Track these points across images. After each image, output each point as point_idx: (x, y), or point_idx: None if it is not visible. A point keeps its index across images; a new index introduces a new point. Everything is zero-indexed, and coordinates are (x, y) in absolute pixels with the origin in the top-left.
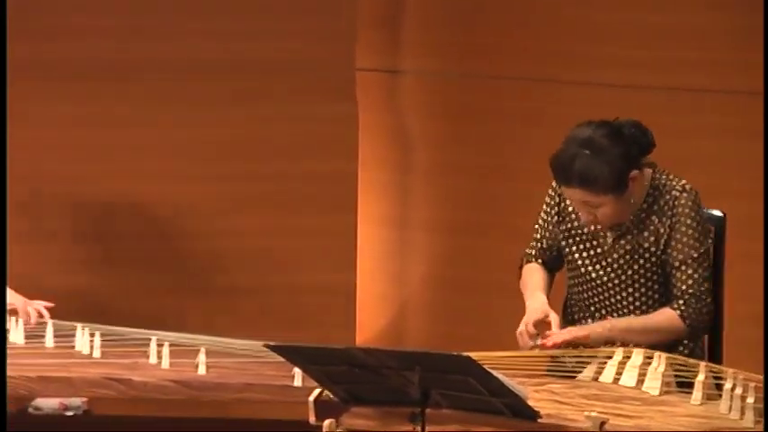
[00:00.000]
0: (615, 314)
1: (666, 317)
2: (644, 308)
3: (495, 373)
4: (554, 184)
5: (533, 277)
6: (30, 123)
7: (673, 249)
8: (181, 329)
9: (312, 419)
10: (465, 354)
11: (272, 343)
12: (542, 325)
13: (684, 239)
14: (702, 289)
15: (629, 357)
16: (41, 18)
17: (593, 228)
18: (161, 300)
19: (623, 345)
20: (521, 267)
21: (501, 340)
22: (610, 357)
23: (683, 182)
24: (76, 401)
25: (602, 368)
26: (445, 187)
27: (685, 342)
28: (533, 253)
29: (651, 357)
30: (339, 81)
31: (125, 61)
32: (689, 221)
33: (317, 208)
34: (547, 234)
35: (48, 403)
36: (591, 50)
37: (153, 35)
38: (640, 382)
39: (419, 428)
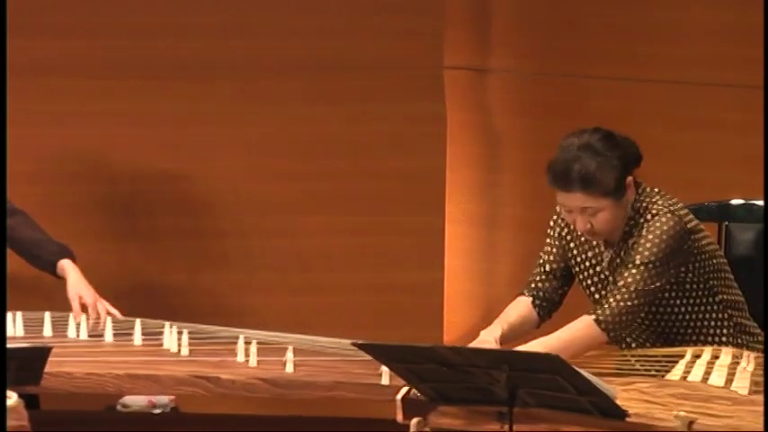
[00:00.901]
0: (626, 332)
1: (583, 323)
2: (647, 330)
3: (583, 371)
4: (556, 211)
5: (509, 312)
6: (126, 120)
7: (630, 253)
8: (266, 328)
9: (400, 418)
10: (551, 353)
11: (360, 341)
12: None
13: (641, 248)
14: (632, 290)
15: (717, 357)
16: (140, 16)
17: (588, 235)
18: (247, 298)
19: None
20: (520, 292)
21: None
22: (698, 357)
23: (660, 207)
24: (164, 399)
25: (691, 368)
26: (533, 186)
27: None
28: (533, 285)
29: (740, 357)
30: (427, 79)
31: (215, 60)
32: (650, 236)
33: (404, 207)
34: (553, 253)
35: (136, 401)
36: (674, 50)
37: (242, 34)
38: (729, 381)
39: (506, 428)
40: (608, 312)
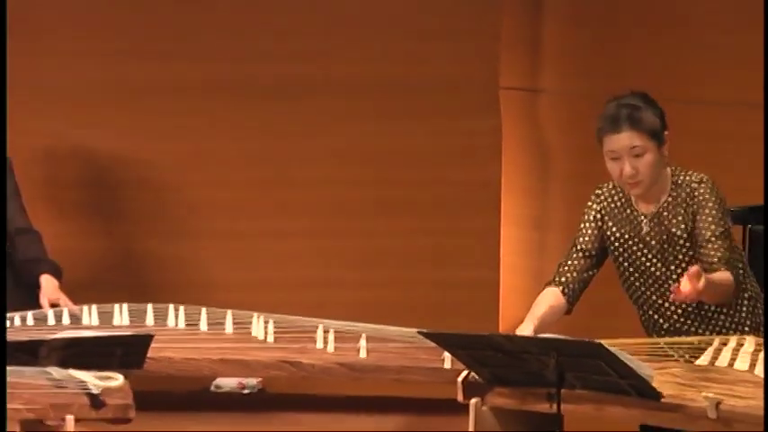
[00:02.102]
0: (663, 300)
1: (727, 276)
2: (684, 317)
3: (623, 357)
4: (597, 191)
5: (538, 306)
6: (221, 134)
7: (699, 229)
8: (342, 318)
9: (460, 398)
10: (597, 340)
11: (425, 330)
12: None
13: (709, 219)
14: (731, 260)
15: (742, 345)
16: (233, 42)
17: (633, 184)
18: (325, 291)
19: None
20: (548, 283)
21: (630, 328)
22: (725, 344)
23: (701, 175)
24: (252, 381)
25: (718, 354)
26: (579, 192)
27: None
28: (562, 273)
29: (761, 344)
30: (485, 98)
31: (298, 82)
32: (710, 204)
33: (464, 211)
34: (589, 236)
35: (227, 382)
36: (717, 71)
37: (321, 59)
38: (752, 366)
39: (555, 407)
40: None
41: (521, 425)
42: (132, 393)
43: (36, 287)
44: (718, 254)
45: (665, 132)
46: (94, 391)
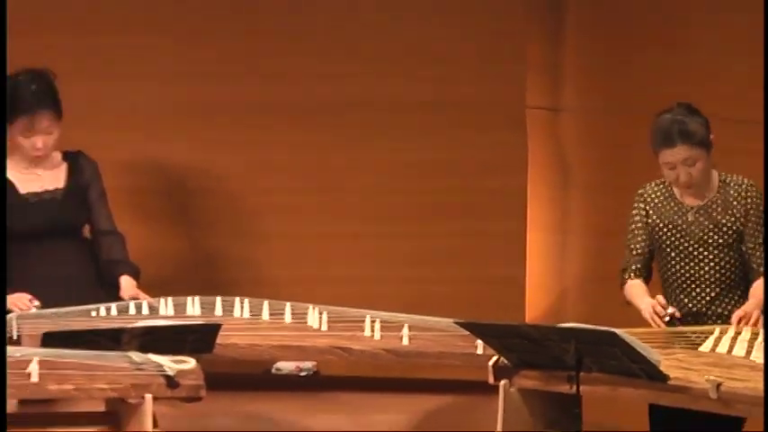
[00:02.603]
0: (695, 284)
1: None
2: (720, 275)
3: (634, 344)
4: (640, 192)
5: (637, 290)
6: (279, 148)
7: (751, 230)
8: (386, 310)
9: (491, 380)
10: (611, 329)
11: (460, 320)
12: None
13: (760, 223)
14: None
15: (739, 333)
16: (298, 65)
17: (686, 187)
18: (375, 287)
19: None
20: (622, 284)
21: (641, 321)
22: (724, 333)
23: (746, 178)
24: (308, 364)
25: (719, 342)
26: (596, 201)
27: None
28: (632, 267)
29: (757, 333)
30: (512, 116)
31: (347, 98)
32: (761, 209)
33: (495, 216)
34: (641, 237)
35: (286, 366)
36: (724, 90)
37: (369, 79)
38: (749, 352)
39: (574, 388)
40: None
41: (544, 404)
42: (203, 375)
43: (115, 286)
44: (760, 260)
45: (711, 137)
46: (170, 373)
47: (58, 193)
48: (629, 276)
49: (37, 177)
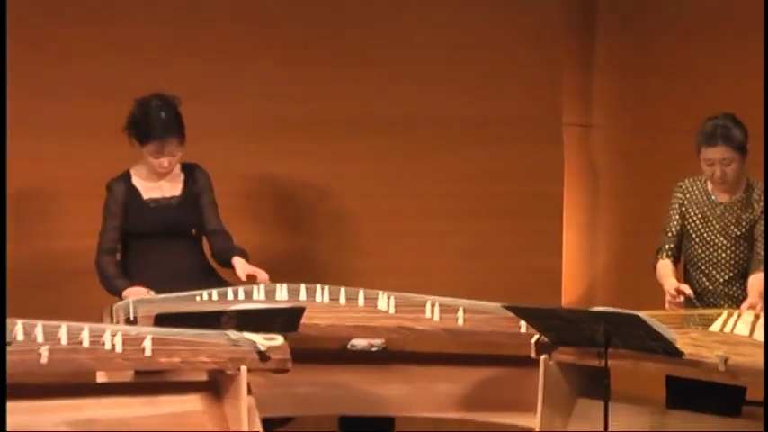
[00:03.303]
0: (714, 268)
1: (760, 278)
2: (736, 262)
3: (655, 324)
4: (680, 184)
5: (665, 270)
6: (347, 159)
7: (760, 226)
8: (447, 295)
9: (533, 355)
10: (635, 312)
11: (508, 304)
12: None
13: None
14: None
15: (741, 315)
16: (373, 86)
17: (722, 183)
18: (433, 276)
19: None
20: (654, 263)
21: (659, 304)
22: (731, 315)
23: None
24: (378, 342)
25: (726, 322)
26: (622, 205)
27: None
28: (666, 247)
29: (758, 316)
30: (550, 132)
31: (405, 115)
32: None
33: (537, 217)
34: (675, 221)
35: (359, 342)
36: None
37: (434, 99)
38: (751, 332)
39: (603, 362)
40: None
41: (578, 375)
42: (289, 350)
43: (222, 274)
44: (762, 251)
45: (748, 146)
46: (262, 349)
47: (174, 200)
48: (662, 256)
49: (158, 186)
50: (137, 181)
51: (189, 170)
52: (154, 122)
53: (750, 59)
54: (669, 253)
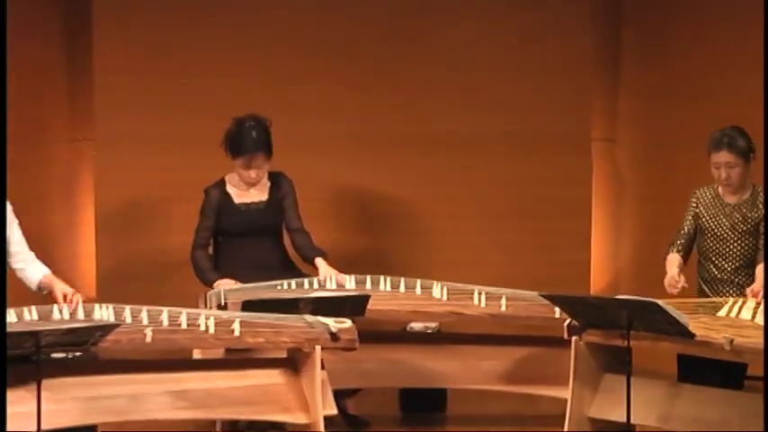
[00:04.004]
0: (722, 258)
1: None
2: (742, 253)
3: (670, 310)
4: (695, 191)
5: (672, 261)
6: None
7: (763, 224)
8: (493, 285)
9: (566, 336)
10: (654, 300)
11: (544, 293)
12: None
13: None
14: None
15: (745, 302)
16: (431, 108)
17: (727, 185)
18: (481, 268)
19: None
20: (666, 255)
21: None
22: (735, 303)
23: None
24: (433, 324)
25: (731, 309)
26: (642, 210)
27: None
28: (678, 243)
29: (760, 303)
30: (581, 146)
31: (461, 134)
32: None
33: (570, 219)
34: (689, 227)
35: (417, 325)
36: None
37: (478, 116)
38: (753, 317)
39: (626, 342)
40: None
41: (604, 354)
42: (356, 332)
43: (303, 267)
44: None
45: (752, 154)
46: (333, 330)
47: (261, 204)
48: (672, 251)
49: (248, 192)
50: (230, 188)
51: (275, 177)
52: (246, 140)
53: (760, 85)
54: (679, 248)
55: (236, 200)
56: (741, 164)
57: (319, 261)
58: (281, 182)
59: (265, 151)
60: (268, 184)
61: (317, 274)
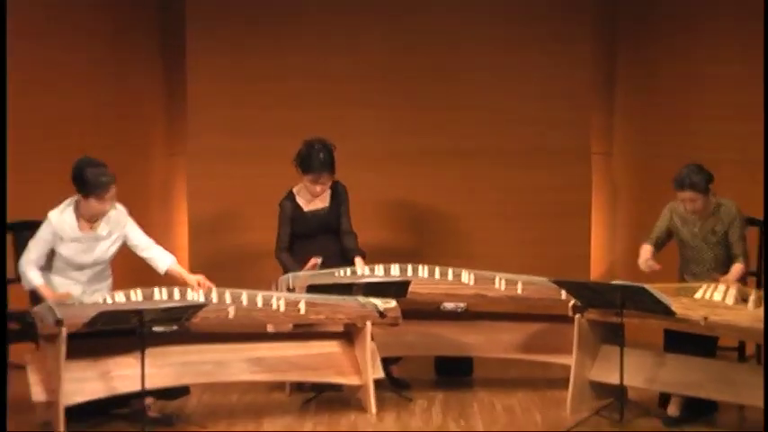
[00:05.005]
0: (698, 264)
1: (739, 267)
2: (713, 262)
3: (656, 293)
4: (670, 204)
5: (644, 251)
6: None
7: (731, 233)
8: (513, 272)
9: (570, 314)
10: (643, 285)
11: (555, 279)
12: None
13: (737, 229)
14: (746, 251)
15: (717, 287)
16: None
17: (692, 213)
18: (502, 260)
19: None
20: (642, 244)
21: (659, 279)
22: (709, 287)
23: (730, 201)
24: (462, 304)
25: (706, 292)
26: (633, 212)
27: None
28: (651, 237)
29: (730, 287)
30: (582, 159)
31: (485, 147)
32: (737, 221)
33: (573, 220)
34: (661, 229)
35: (448, 305)
36: (721, 143)
37: (495, 131)
38: (724, 298)
39: (620, 319)
40: (745, 262)
41: (602, 329)
42: (400, 310)
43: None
44: (738, 251)
45: (710, 186)
46: (381, 309)
47: (324, 210)
48: (646, 243)
49: (313, 201)
50: (299, 198)
51: (334, 186)
52: (314, 161)
53: (734, 106)
54: (651, 241)
55: (305, 208)
56: (701, 197)
57: (357, 260)
58: (339, 190)
59: (329, 171)
60: (329, 192)
61: (379, 263)
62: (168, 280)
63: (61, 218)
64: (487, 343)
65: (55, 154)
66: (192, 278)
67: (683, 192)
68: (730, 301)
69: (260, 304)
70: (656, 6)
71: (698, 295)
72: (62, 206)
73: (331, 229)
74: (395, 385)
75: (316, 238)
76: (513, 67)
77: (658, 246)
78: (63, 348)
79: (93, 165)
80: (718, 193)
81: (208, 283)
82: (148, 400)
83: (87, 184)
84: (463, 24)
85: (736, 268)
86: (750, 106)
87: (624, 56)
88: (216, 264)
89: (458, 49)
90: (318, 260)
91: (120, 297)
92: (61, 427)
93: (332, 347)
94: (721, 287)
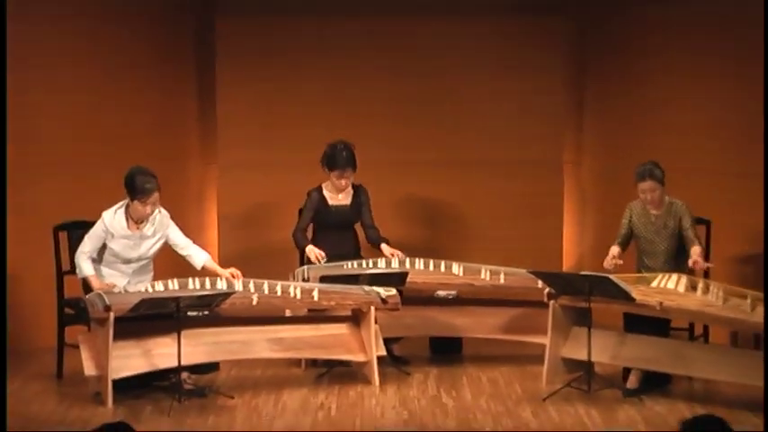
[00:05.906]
0: (654, 256)
1: (698, 248)
2: (667, 252)
3: (619, 282)
4: (629, 205)
5: (613, 250)
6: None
7: (683, 225)
8: (499, 265)
9: (546, 300)
10: (607, 275)
11: (531, 270)
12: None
13: (688, 220)
14: (697, 236)
15: (671, 277)
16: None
17: (650, 203)
18: (492, 253)
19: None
20: (612, 245)
21: (620, 270)
22: (664, 277)
23: (677, 200)
24: (453, 292)
25: (661, 282)
26: (601, 213)
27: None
28: (618, 239)
29: (681, 277)
30: (554, 168)
31: (479, 158)
32: (687, 214)
33: (548, 220)
34: (624, 227)
35: (441, 292)
36: (692, 157)
37: (483, 144)
38: (676, 286)
39: (588, 304)
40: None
41: (573, 313)
42: (399, 297)
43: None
44: (693, 234)
45: (664, 179)
46: (383, 296)
47: (346, 206)
48: (615, 243)
49: (338, 197)
50: (325, 192)
51: (356, 188)
52: (338, 158)
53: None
54: (619, 242)
55: (330, 202)
56: (659, 188)
57: (384, 246)
58: (360, 192)
59: (353, 166)
60: (351, 192)
61: (375, 257)
62: (202, 273)
63: (113, 217)
64: (475, 325)
65: (111, 164)
66: (226, 272)
67: (644, 182)
68: (682, 288)
69: (279, 292)
70: (618, 40)
71: (654, 284)
72: (115, 207)
73: (349, 224)
74: (395, 361)
75: (334, 230)
76: (499, 92)
77: (624, 245)
78: (111, 330)
79: (143, 173)
80: (672, 195)
81: (239, 275)
82: (184, 375)
83: (135, 189)
84: (462, 57)
85: (696, 249)
86: (699, 124)
87: (592, 81)
88: (242, 258)
89: (454, 77)
90: (323, 255)
91: (159, 286)
92: (109, 396)
93: (341, 329)
94: (674, 276)
